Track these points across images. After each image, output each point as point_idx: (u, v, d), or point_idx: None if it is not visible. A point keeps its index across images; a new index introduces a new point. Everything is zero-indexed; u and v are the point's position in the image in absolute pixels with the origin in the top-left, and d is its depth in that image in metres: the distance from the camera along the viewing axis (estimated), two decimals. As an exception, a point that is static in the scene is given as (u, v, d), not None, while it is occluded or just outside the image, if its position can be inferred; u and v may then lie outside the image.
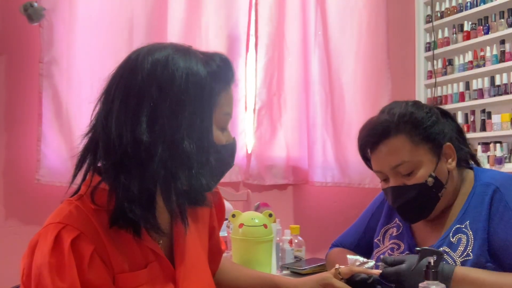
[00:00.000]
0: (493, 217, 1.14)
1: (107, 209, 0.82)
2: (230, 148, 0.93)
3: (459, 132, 1.31)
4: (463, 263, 1.13)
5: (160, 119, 0.81)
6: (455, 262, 1.14)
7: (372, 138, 1.22)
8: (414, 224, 1.29)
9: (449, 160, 1.22)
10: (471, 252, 1.13)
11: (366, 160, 1.29)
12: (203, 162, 0.84)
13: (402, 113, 1.20)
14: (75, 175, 0.87)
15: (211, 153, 0.86)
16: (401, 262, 1.10)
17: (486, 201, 1.17)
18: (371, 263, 1.14)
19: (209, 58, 0.88)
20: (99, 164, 0.86)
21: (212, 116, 0.87)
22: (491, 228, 1.14)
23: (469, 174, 1.26)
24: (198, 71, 0.84)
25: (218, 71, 0.87)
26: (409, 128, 1.19)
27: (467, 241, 1.15)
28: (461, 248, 1.15)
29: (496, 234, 1.13)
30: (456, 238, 1.17)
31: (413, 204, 1.20)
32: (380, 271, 1.12)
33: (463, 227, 1.18)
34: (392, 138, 1.19)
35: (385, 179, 1.24)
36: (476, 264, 1.12)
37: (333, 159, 2.91)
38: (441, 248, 1.16)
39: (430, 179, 1.18)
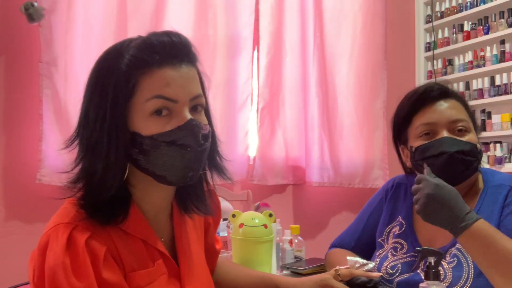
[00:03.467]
0: (504, 212, 1.15)
1: None
2: (178, 133, 0.83)
3: None
4: (475, 265, 1.12)
5: (82, 115, 0.86)
6: (467, 260, 1.14)
7: (432, 93, 1.25)
8: (418, 225, 1.29)
9: None
10: None
11: (405, 120, 1.29)
12: (117, 154, 0.82)
13: (456, 90, 1.30)
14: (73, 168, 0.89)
15: (130, 143, 0.83)
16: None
17: (500, 200, 1.17)
18: (371, 264, 1.14)
19: (126, 46, 0.85)
20: None
21: (126, 108, 0.82)
22: (500, 221, 1.14)
23: (478, 176, 1.27)
24: (111, 62, 0.84)
25: (130, 59, 0.82)
26: (464, 103, 1.27)
27: None
28: None
29: (503, 225, 1.13)
30: None
31: (465, 157, 1.19)
32: (380, 273, 1.12)
33: None
34: (453, 99, 1.26)
35: (428, 133, 1.23)
36: None
37: (329, 160, 2.92)
38: (455, 246, 1.16)
39: (479, 145, 1.22)
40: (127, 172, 0.84)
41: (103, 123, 0.82)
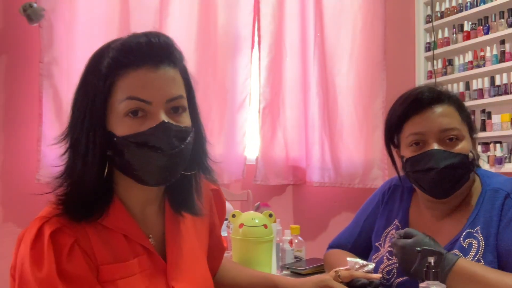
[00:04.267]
0: (501, 223, 1.14)
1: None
2: (150, 134, 0.82)
3: None
4: None
5: (70, 115, 0.88)
6: None
7: (423, 100, 1.20)
8: (413, 227, 1.28)
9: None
10: (481, 257, 1.12)
11: (396, 126, 1.25)
12: (94, 153, 0.83)
13: (451, 91, 1.24)
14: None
15: (107, 143, 0.84)
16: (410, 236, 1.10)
17: (497, 207, 1.16)
18: (371, 266, 1.14)
19: (106, 47, 0.87)
20: None
21: (103, 108, 0.84)
22: (499, 233, 1.13)
23: (476, 178, 1.25)
24: (94, 64, 0.86)
25: (109, 61, 0.83)
26: (457, 105, 1.22)
27: (478, 246, 1.14)
28: (472, 253, 1.14)
29: (502, 238, 1.12)
30: (466, 242, 1.16)
31: (455, 170, 1.16)
32: (380, 275, 1.12)
33: (474, 232, 1.16)
34: (445, 104, 1.20)
35: (419, 143, 1.20)
36: None
37: (329, 160, 2.92)
38: (452, 252, 1.15)
39: (471, 154, 1.18)
40: (106, 171, 0.85)
41: (83, 122, 0.84)
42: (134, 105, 0.82)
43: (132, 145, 0.82)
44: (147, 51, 0.83)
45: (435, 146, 1.17)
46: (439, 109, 1.19)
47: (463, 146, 1.18)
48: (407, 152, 1.22)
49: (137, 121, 0.83)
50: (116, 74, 0.83)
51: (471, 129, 1.23)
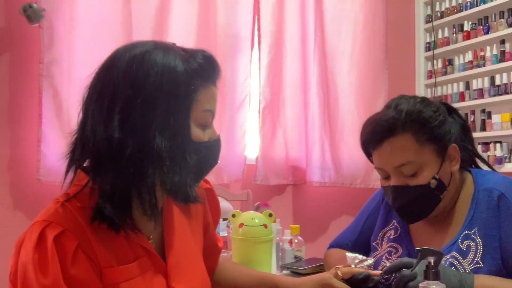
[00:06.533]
0: (502, 225, 1.12)
1: (91, 206, 0.83)
2: (213, 146, 0.93)
3: (465, 130, 1.28)
4: (473, 271, 1.11)
5: (132, 116, 0.81)
6: (465, 269, 1.12)
7: (376, 135, 1.17)
8: (413, 229, 1.28)
9: (453, 162, 1.19)
10: (480, 259, 1.11)
11: (369, 155, 1.26)
12: (177, 159, 0.84)
13: (410, 111, 1.15)
14: (66, 173, 0.88)
15: (187, 150, 0.86)
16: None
17: (493, 208, 1.14)
18: (370, 260, 1.13)
19: (189, 55, 0.88)
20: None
21: (189, 114, 0.87)
22: (502, 236, 1.11)
23: (468, 177, 1.24)
24: (175, 67, 0.85)
25: (197, 68, 0.87)
26: (416, 127, 1.15)
27: (476, 248, 1.13)
28: (471, 256, 1.12)
29: (508, 243, 1.11)
30: (465, 244, 1.15)
31: (414, 205, 1.17)
32: (380, 271, 1.12)
33: (472, 234, 1.15)
34: (398, 136, 1.15)
35: (387, 177, 1.21)
36: (488, 273, 1.09)
37: (330, 159, 2.92)
38: (450, 254, 1.14)
39: (433, 181, 1.15)
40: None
41: (164, 129, 0.83)
42: (210, 116, 0.92)
43: (203, 151, 0.90)
44: (219, 69, 0.94)
45: (393, 181, 1.18)
46: (390, 145, 1.16)
47: (422, 177, 1.15)
48: (381, 182, 1.25)
49: (208, 131, 0.92)
50: (200, 85, 0.88)
51: (441, 143, 1.17)
